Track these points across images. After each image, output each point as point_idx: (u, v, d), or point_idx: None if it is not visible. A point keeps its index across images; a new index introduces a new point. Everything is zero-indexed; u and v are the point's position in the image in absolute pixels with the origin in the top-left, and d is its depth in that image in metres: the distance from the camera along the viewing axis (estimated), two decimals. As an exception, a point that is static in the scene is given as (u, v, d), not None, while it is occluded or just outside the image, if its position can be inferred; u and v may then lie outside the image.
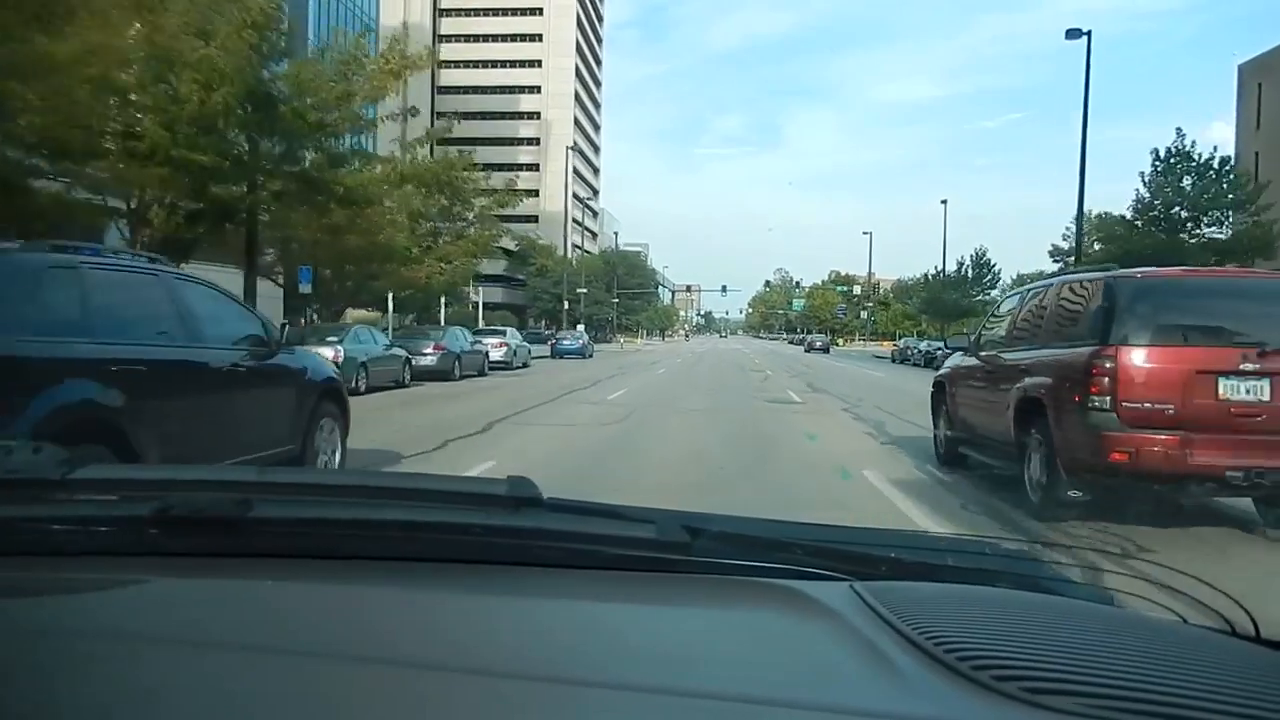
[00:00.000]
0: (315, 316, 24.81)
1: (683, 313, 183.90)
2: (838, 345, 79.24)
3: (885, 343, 72.22)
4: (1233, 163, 28.40)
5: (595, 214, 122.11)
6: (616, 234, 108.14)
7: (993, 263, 53.64)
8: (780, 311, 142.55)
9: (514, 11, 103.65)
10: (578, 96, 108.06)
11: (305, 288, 20.06)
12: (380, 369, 17.62)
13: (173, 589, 0.95)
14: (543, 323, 69.89)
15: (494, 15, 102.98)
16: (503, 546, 1.02)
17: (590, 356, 39.90)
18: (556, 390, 18.20)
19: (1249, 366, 5.41)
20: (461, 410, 13.36)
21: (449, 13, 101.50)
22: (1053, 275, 8.03)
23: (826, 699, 0.69)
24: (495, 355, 26.68)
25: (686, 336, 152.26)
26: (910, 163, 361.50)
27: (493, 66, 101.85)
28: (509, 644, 0.83)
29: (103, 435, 4.44)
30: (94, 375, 4.52)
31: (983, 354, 7.78)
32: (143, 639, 0.79)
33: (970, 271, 53.12)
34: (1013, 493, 6.46)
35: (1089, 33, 26.64)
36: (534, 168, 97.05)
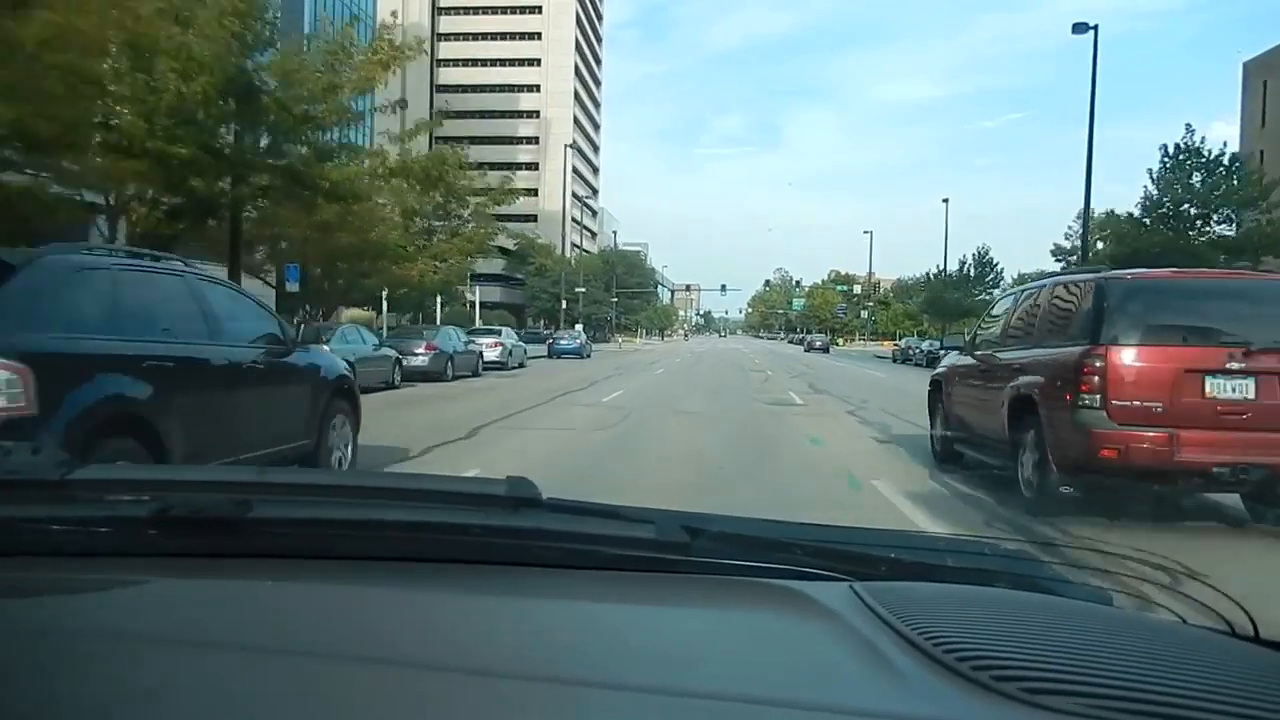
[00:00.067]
0: (307, 316, 24.28)
1: (682, 312, 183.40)
2: (838, 345, 78.81)
3: (886, 343, 71.74)
4: (1241, 159, 27.88)
5: (594, 213, 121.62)
6: (615, 233, 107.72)
7: (995, 261, 53.20)
8: (780, 311, 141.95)
9: (513, 10, 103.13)
10: (577, 95, 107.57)
11: (293, 286, 19.53)
12: (368, 370, 17.03)
13: (173, 589, 0.96)
14: (541, 322, 69.36)
15: (493, 13, 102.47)
16: (502, 547, 1.02)
17: (588, 356, 39.39)
18: (551, 392, 17.67)
19: (1235, 365, 5.53)
20: (449, 413, 12.82)
21: (447, 11, 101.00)
22: (1054, 275, 8.03)
23: (826, 699, 0.69)
24: (490, 355, 26.12)
25: (686, 336, 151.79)
26: (910, 163, 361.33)
27: (492, 65, 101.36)
28: (508, 644, 0.83)
29: (134, 430, 4.65)
30: (126, 372, 4.71)
31: (978, 353, 7.92)
32: (143, 639, 0.80)
33: (973, 270, 52.57)
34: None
35: (1095, 27, 26.16)
36: (533, 166, 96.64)
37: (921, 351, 36.57)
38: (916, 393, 12.97)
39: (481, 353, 24.88)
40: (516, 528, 1.02)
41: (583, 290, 63.07)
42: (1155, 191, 27.20)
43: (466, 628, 0.88)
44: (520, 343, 31.19)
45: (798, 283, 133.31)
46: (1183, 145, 27.10)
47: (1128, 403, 5.58)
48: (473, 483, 1.19)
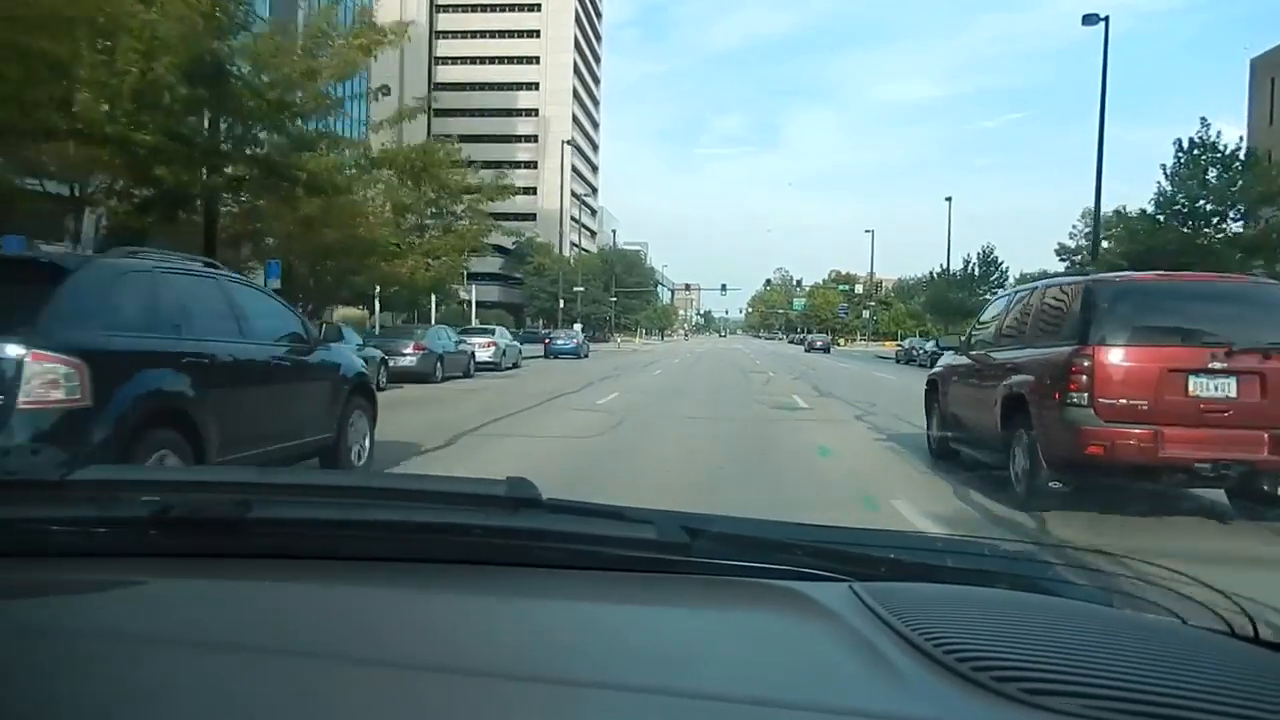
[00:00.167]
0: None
1: (682, 312, 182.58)
2: (838, 345, 77.95)
3: (888, 343, 70.91)
4: (1258, 155, 26.94)
5: (594, 212, 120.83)
6: (615, 232, 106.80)
7: (1000, 261, 52.26)
8: (780, 311, 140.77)
9: (511, 7, 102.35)
10: (576, 94, 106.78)
11: (273, 283, 18.63)
12: (350, 371, 16.20)
13: (172, 589, 0.96)
14: (540, 322, 68.54)
15: (491, 11, 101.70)
16: (502, 547, 1.02)
17: (586, 356, 38.57)
18: (543, 394, 16.82)
19: (1217, 365, 5.71)
20: (432, 418, 11.96)
21: (446, 8, 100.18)
22: (1057, 275, 8.06)
23: (826, 700, 0.69)
24: (483, 355, 25.27)
25: (686, 336, 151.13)
26: (910, 163, 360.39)
27: (490, 63, 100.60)
28: (509, 645, 0.83)
29: (175, 422, 4.92)
30: (168, 368, 4.99)
31: (973, 353, 8.10)
32: (143, 639, 0.80)
33: (977, 270, 51.64)
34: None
35: (1106, 19, 25.34)
36: (532, 165, 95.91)
37: (925, 352, 35.61)
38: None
39: (473, 353, 24.05)
40: (517, 528, 1.02)
41: (581, 289, 62.20)
42: (1169, 187, 26.30)
43: (467, 628, 0.88)
44: (515, 343, 30.34)
45: (798, 282, 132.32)
46: (1197, 140, 26.22)
47: (1114, 401, 5.75)
48: (473, 483, 1.16)
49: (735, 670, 0.76)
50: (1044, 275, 26.72)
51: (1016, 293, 8.07)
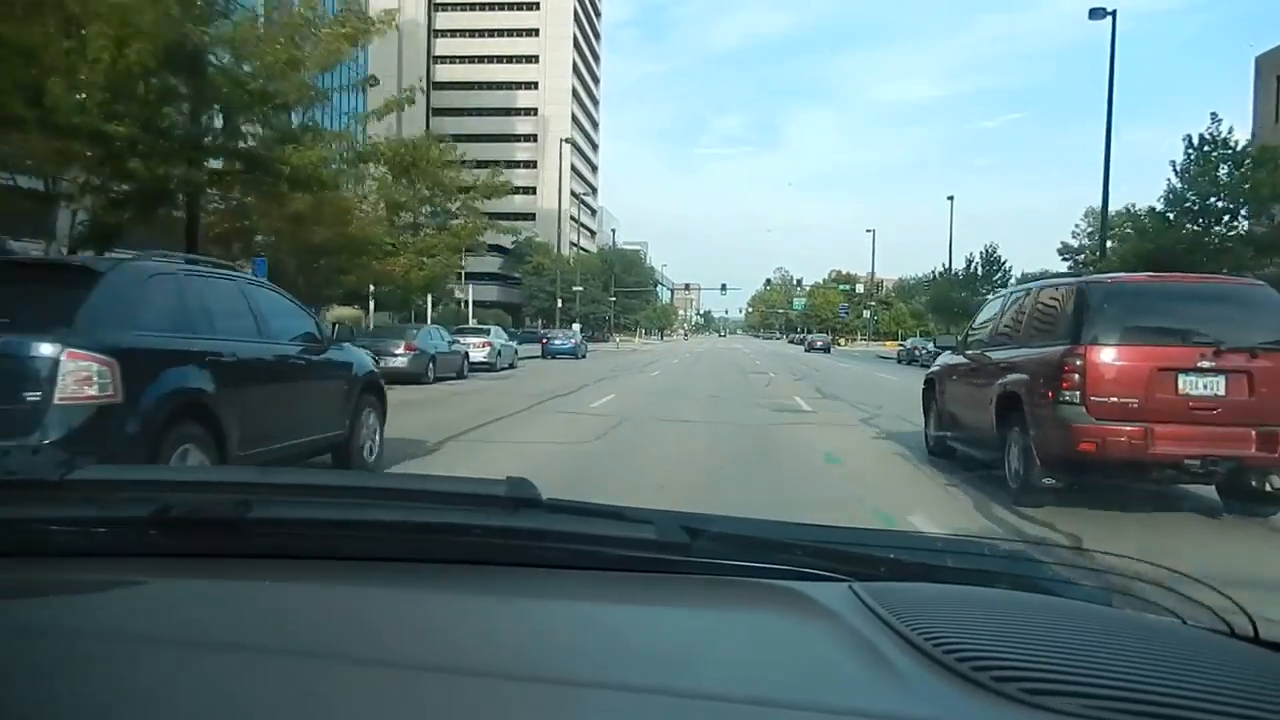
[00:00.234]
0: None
1: (681, 312, 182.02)
2: (839, 345, 77.42)
3: (889, 343, 70.32)
4: (1266, 152, 26.26)
5: (593, 211, 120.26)
6: (614, 231, 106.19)
7: (1003, 260, 51.52)
8: (780, 311, 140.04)
9: (510, 6, 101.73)
10: (575, 93, 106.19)
11: (260, 282, 18.07)
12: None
13: (172, 589, 0.96)
14: (539, 322, 67.93)
15: (490, 10, 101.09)
16: (502, 547, 1.02)
17: (583, 357, 37.98)
18: (536, 396, 16.25)
19: (1205, 364, 5.83)
20: (417, 421, 11.39)
21: (444, 6, 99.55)
22: (1060, 275, 8.75)
23: (826, 700, 0.69)
24: (477, 356, 24.66)
25: (685, 336, 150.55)
26: (910, 163, 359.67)
27: (489, 62, 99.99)
28: (509, 645, 0.83)
29: (200, 418, 5.10)
30: (193, 366, 5.17)
31: (969, 353, 8.24)
32: (143, 639, 0.80)
33: (980, 269, 50.96)
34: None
35: (1114, 13, 24.78)
36: (531, 165, 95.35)
37: (928, 352, 35.05)
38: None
39: (467, 353, 23.45)
40: (517, 528, 1.02)
41: (580, 289, 61.56)
42: (1179, 185, 25.64)
43: (467, 628, 0.88)
44: (510, 343, 29.71)
45: (798, 282, 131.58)
46: (1208, 136, 25.58)
47: (1105, 399, 5.85)
48: (473, 483, 1.16)
49: (735, 670, 0.76)
50: (1046, 275, 26.12)
51: (1012, 293, 8.19)
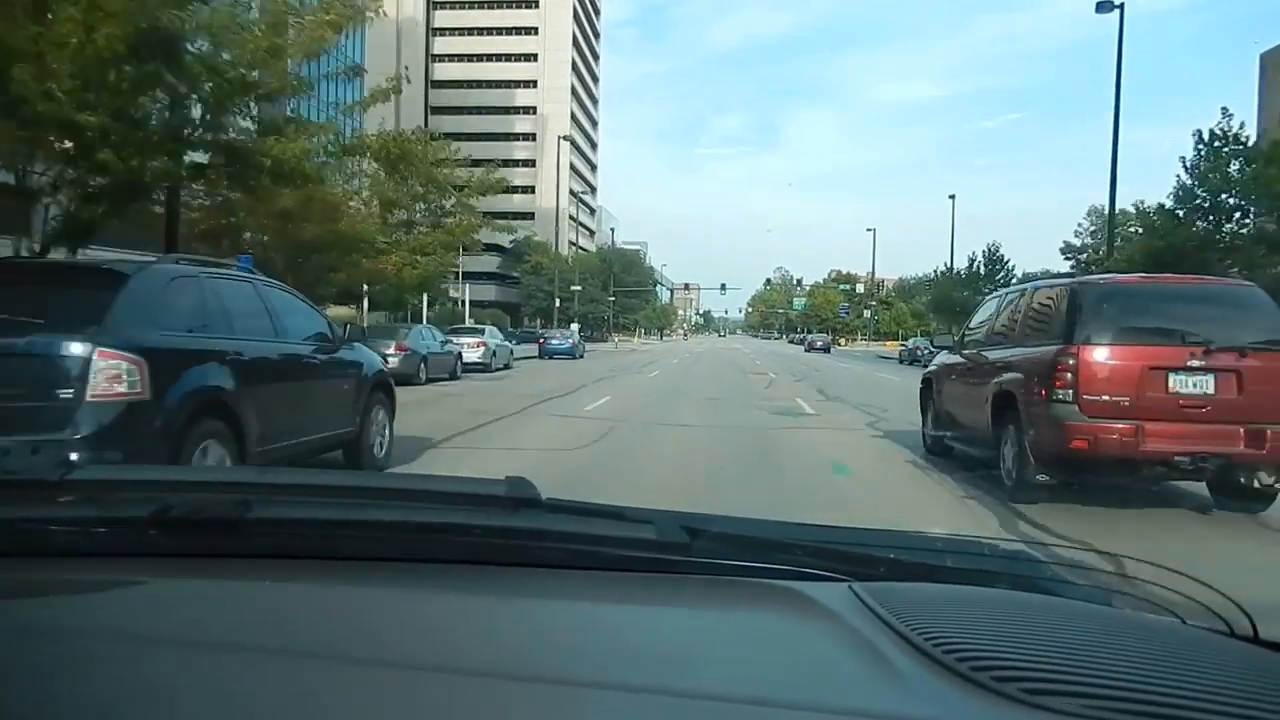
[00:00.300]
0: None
1: (681, 312, 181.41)
2: (839, 345, 76.86)
3: (889, 343, 69.73)
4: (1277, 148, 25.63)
5: (593, 211, 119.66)
6: (613, 231, 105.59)
7: (1006, 259, 50.88)
8: (780, 311, 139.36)
9: (509, 3, 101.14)
10: (575, 92, 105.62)
11: (244, 280, 17.47)
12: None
13: (172, 589, 0.96)
14: (538, 322, 67.35)
15: (488, 8, 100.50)
16: (502, 547, 1.02)
17: (581, 357, 37.42)
18: (529, 398, 15.67)
19: (1195, 363, 5.92)
20: (401, 426, 10.80)
21: (443, 5, 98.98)
22: (1062, 275, 8.71)
23: (825, 700, 0.69)
24: (471, 356, 24.10)
25: (685, 336, 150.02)
26: (910, 163, 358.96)
27: (488, 60, 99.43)
28: (509, 645, 0.83)
29: (221, 414, 5.28)
30: (215, 364, 5.35)
31: (965, 353, 8.37)
32: (143, 639, 0.80)
33: (983, 268, 50.33)
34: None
35: (1121, 5, 24.21)
36: (530, 164, 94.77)
37: (930, 352, 34.53)
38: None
39: (460, 354, 22.89)
40: (516, 528, 1.02)
41: (578, 288, 60.92)
42: (1189, 181, 25.02)
43: (467, 628, 0.88)
44: (505, 343, 29.13)
45: (798, 282, 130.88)
46: (1218, 131, 24.99)
47: (1097, 397, 5.96)
48: (473, 483, 1.15)
49: (735, 670, 0.76)
50: (1047, 274, 25.59)
51: (1007, 294, 8.29)
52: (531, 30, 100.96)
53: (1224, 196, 24.67)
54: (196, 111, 13.69)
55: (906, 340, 50.32)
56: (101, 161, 12.11)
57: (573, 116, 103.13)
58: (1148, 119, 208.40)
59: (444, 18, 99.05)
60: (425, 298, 35.71)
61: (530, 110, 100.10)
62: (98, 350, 4.58)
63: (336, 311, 31.50)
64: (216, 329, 5.58)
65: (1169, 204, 25.98)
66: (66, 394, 4.53)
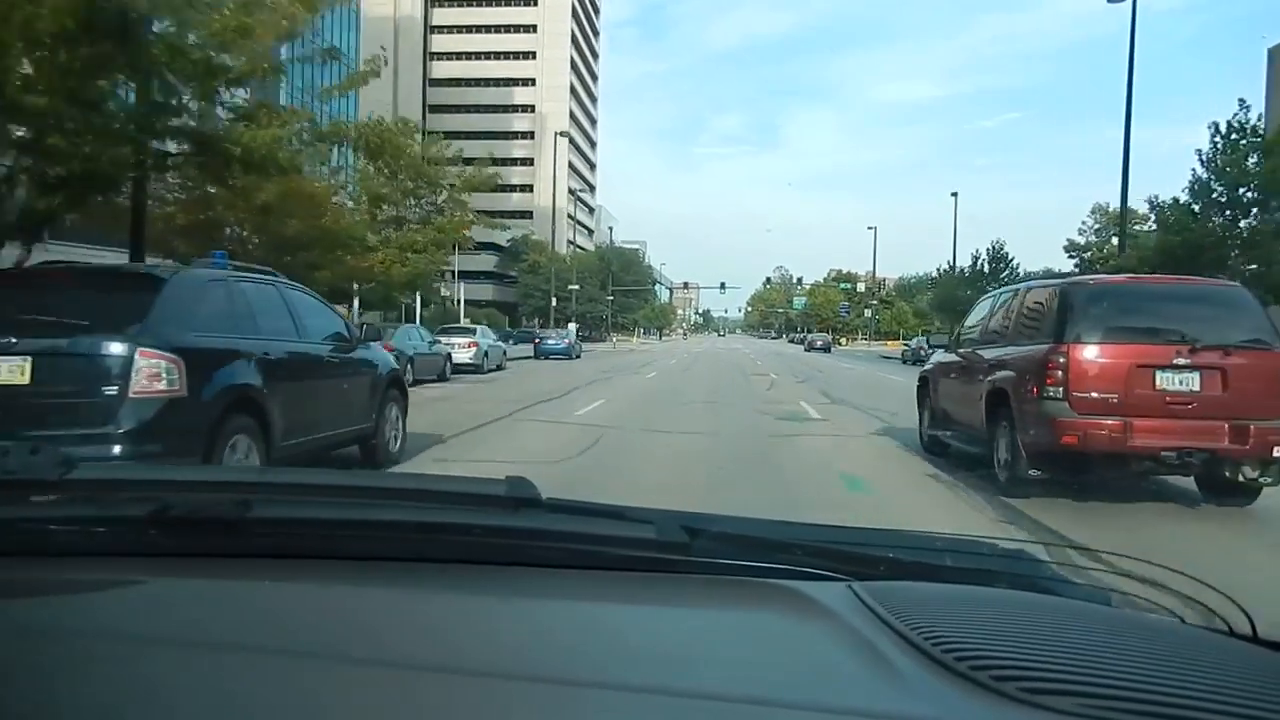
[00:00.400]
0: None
1: (680, 311, 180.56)
2: (839, 345, 75.99)
3: (891, 342, 68.90)
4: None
5: (591, 210, 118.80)
6: (612, 229, 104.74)
7: (1010, 257, 49.96)
8: (780, 310, 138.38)
9: (508, 1, 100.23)
10: (574, 90, 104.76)
11: (218, 276, 16.61)
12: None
13: (172, 589, 0.95)
14: (535, 321, 66.49)
15: (487, 5, 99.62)
16: (502, 547, 1.02)
17: (578, 357, 36.62)
18: (518, 401, 14.81)
19: (1181, 361, 6.12)
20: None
21: (441, 2, 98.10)
22: (1063, 274, 8.78)
23: (825, 699, 0.69)
24: (461, 357, 23.24)
25: (684, 335, 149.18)
26: (910, 162, 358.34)
27: (486, 58, 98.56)
28: (508, 644, 0.83)
29: (251, 410, 5.64)
30: (244, 363, 5.71)
31: (960, 351, 8.54)
32: (143, 639, 0.80)
33: (987, 266, 49.44)
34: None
35: (1134, -5, 23.40)
36: (528, 162, 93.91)
37: (930, 351, 33.64)
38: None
39: (450, 355, 22.03)
40: (517, 528, 1.01)
41: (576, 288, 60.05)
42: (1205, 175, 24.16)
43: (466, 628, 0.88)
44: (499, 343, 28.28)
45: (798, 281, 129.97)
46: (1235, 124, 24.13)
47: (1087, 394, 6.10)
48: (473, 483, 1.14)
49: (735, 670, 0.76)
50: (1049, 273, 24.73)
51: (1001, 294, 8.43)
52: (530, 28, 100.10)
53: (1241, 190, 23.78)
54: (161, 96, 12.83)
55: (909, 340, 49.48)
56: (52, 148, 11.25)
57: (571, 115, 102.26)
58: (1148, 119, 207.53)
59: (442, 15, 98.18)
60: (418, 296, 34.82)
61: (529, 109, 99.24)
62: (139, 350, 4.90)
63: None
64: (245, 330, 5.88)
65: (1184, 199, 25.08)
66: (110, 391, 4.85)
